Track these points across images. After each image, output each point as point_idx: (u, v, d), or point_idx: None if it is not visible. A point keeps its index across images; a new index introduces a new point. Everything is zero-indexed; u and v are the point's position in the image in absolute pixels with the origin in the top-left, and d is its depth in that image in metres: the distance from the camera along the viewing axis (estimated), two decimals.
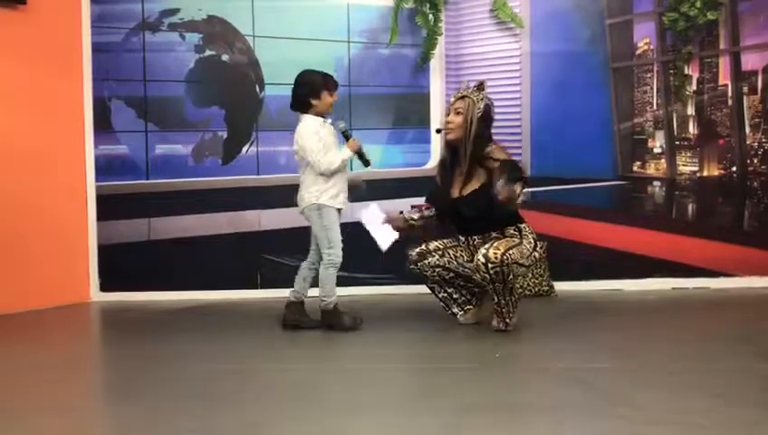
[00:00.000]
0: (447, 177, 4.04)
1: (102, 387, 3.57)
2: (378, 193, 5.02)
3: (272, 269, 5.32)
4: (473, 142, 3.89)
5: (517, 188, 3.57)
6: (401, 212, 4.11)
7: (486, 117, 3.94)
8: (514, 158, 4.11)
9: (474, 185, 3.92)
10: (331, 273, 4.13)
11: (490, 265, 3.78)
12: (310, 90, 4.09)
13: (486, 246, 3.83)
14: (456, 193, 3.98)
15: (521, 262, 3.84)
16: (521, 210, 3.98)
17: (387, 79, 5.33)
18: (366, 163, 4.16)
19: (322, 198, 4.09)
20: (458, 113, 3.93)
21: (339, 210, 4.15)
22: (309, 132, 4.06)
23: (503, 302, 3.91)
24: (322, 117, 4.13)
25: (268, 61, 5.33)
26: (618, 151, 5.34)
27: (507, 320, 3.95)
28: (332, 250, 4.11)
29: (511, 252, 3.81)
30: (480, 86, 3.98)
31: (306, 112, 4.12)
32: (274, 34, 5.33)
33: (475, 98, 3.93)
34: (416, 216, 4.07)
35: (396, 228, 4.04)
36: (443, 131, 4.05)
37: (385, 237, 3.94)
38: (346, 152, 4.07)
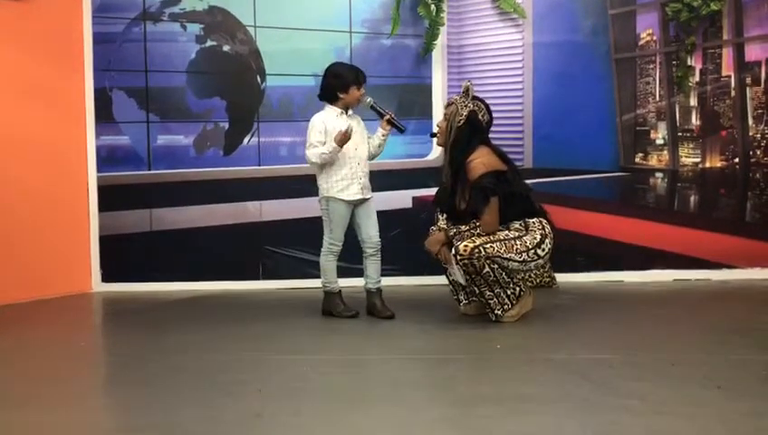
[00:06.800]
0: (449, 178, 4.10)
1: (104, 377, 3.58)
2: (380, 184, 5.02)
3: (273, 260, 5.32)
4: (451, 149, 4.02)
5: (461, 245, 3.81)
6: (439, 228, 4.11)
7: (472, 123, 4.00)
8: (505, 150, 4.17)
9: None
10: (330, 260, 4.26)
11: (459, 257, 3.85)
12: (339, 83, 4.18)
13: (467, 237, 3.87)
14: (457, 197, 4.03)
15: (506, 256, 3.85)
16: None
17: (388, 69, 5.31)
18: (401, 129, 4.30)
19: (331, 192, 4.20)
20: (445, 119, 4.07)
21: (350, 202, 4.21)
22: (313, 125, 4.19)
23: (487, 294, 3.93)
24: (347, 109, 4.21)
25: (270, 51, 5.31)
26: (620, 143, 5.32)
27: (497, 311, 3.96)
28: (332, 238, 4.23)
29: (489, 246, 3.83)
30: (466, 91, 4.04)
31: (332, 104, 4.21)
32: (276, 25, 5.31)
33: (460, 105, 4.03)
34: (452, 232, 4.03)
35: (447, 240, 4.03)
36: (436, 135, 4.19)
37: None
38: (328, 147, 4.09)
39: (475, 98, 4.06)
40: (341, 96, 4.18)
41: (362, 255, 4.29)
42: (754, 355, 3.34)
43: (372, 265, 4.26)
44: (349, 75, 4.19)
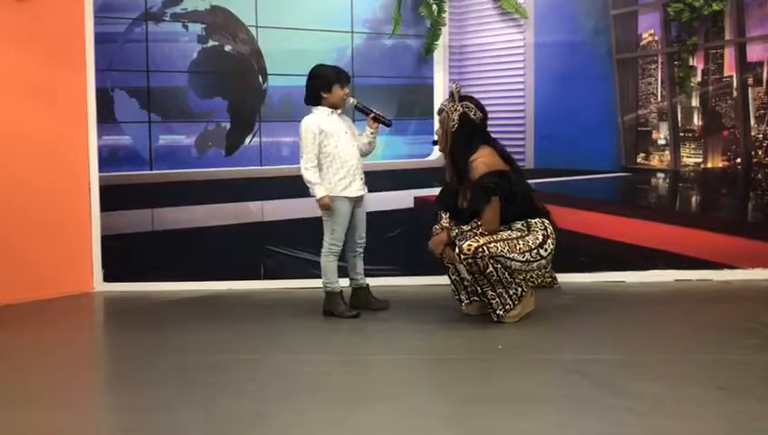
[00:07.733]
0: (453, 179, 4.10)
1: (105, 378, 3.59)
2: (382, 184, 5.03)
3: (274, 260, 5.32)
4: (451, 153, 4.03)
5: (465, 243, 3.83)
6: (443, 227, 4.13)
7: (466, 124, 3.99)
8: (507, 149, 4.19)
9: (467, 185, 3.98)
10: (331, 261, 4.29)
11: (462, 257, 3.85)
12: (322, 83, 4.23)
13: (470, 237, 3.87)
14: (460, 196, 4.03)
15: (510, 256, 3.86)
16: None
17: (390, 70, 5.30)
18: (387, 124, 4.36)
19: (335, 191, 4.23)
20: (441, 126, 4.09)
21: (353, 199, 4.25)
22: (306, 128, 4.21)
23: (490, 294, 3.93)
24: (334, 108, 4.26)
25: (271, 51, 5.31)
26: (622, 143, 5.32)
27: (499, 311, 3.95)
28: (333, 238, 4.27)
29: (492, 245, 3.84)
30: (451, 96, 4.05)
31: (318, 105, 4.25)
32: (278, 25, 5.32)
33: (449, 110, 4.03)
34: (454, 232, 4.05)
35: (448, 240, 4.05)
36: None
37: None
38: (319, 190, 4.17)
39: (463, 98, 4.04)
40: (325, 95, 4.22)
41: (349, 253, 4.37)
42: (755, 356, 3.34)
43: (360, 262, 4.39)
44: (331, 74, 4.24)
